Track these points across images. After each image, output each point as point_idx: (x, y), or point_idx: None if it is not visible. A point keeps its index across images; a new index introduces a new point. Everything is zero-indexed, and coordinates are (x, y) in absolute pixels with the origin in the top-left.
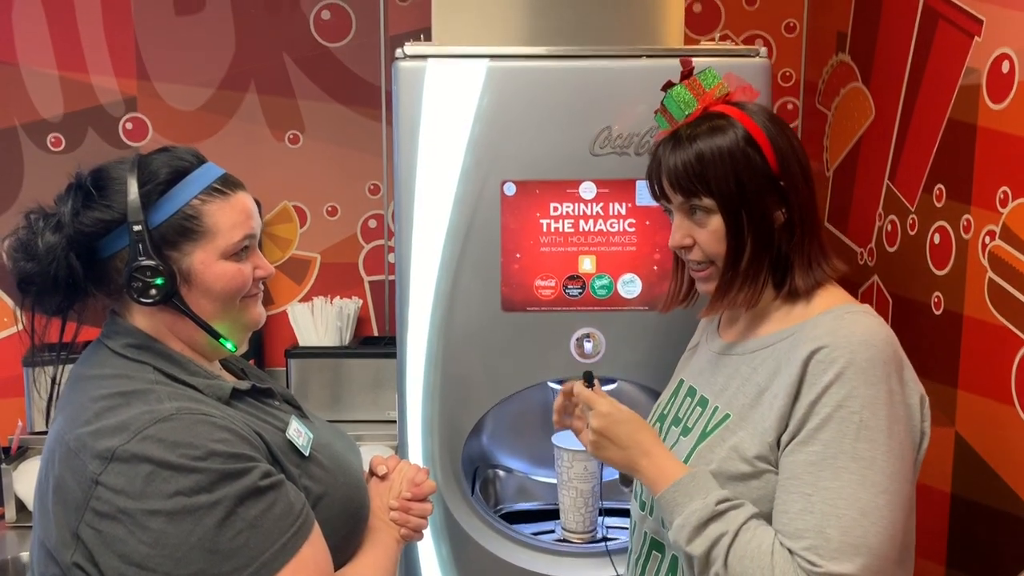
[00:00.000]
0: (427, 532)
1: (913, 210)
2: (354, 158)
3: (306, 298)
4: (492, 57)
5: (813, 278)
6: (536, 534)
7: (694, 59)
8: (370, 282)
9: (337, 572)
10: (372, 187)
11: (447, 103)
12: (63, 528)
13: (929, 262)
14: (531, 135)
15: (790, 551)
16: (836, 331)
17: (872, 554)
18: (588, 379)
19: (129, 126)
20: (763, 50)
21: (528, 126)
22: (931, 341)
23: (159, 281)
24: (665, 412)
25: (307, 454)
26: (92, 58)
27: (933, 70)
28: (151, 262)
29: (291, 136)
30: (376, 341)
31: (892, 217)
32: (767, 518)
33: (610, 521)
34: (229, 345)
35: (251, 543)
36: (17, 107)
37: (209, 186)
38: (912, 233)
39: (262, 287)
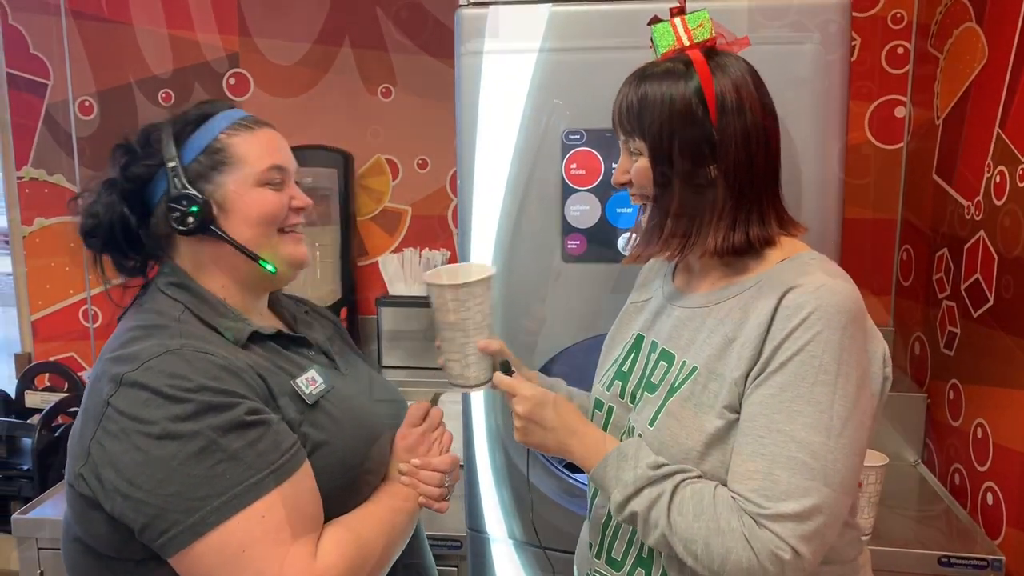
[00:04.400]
0: (489, 478)
1: None
2: (443, 111)
3: (397, 249)
4: (555, 1)
5: (730, 241)
6: None
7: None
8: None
9: (335, 519)
10: None
11: (509, 50)
12: (81, 440)
13: None
14: (594, 83)
15: (736, 495)
16: (803, 277)
17: (821, 497)
18: (506, 368)
19: (232, 81)
20: None
21: (591, 73)
22: None
23: (194, 208)
24: (625, 370)
25: (311, 402)
26: (198, 16)
27: None
28: (186, 190)
29: (383, 90)
30: None
31: (1001, 168)
32: None
33: None
34: (269, 266)
35: (228, 473)
36: (132, 65)
37: (235, 122)
38: (1022, 185)
39: (302, 230)
